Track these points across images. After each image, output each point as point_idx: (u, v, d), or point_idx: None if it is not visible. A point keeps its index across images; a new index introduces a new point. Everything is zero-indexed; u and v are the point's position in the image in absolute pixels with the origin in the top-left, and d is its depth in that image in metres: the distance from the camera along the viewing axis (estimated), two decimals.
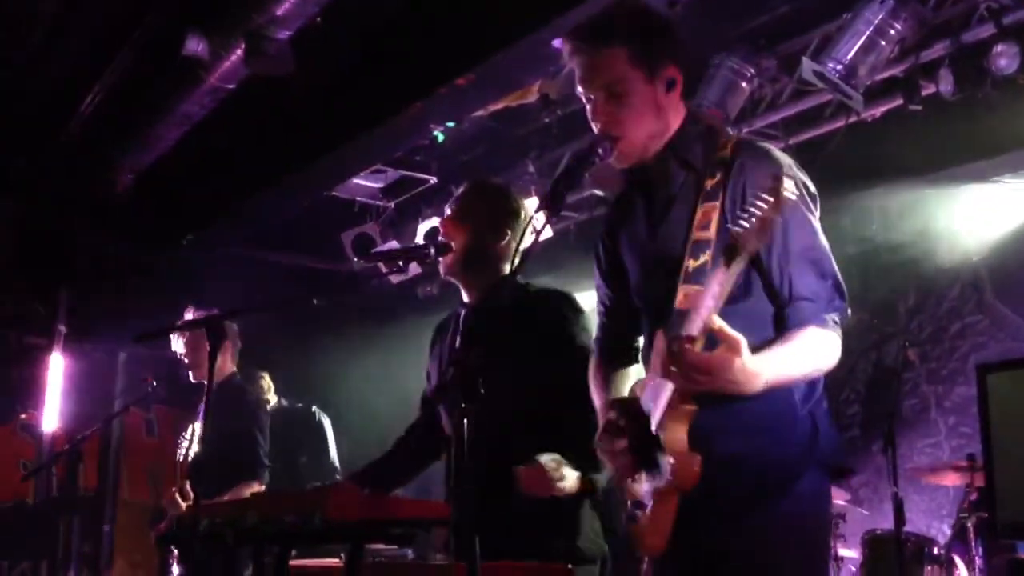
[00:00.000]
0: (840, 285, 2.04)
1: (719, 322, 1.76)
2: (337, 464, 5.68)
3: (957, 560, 4.62)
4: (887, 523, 4.85)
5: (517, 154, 6.30)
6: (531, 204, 2.99)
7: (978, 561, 4.48)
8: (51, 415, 6.96)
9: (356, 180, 6.81)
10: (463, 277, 2.93)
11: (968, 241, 5.68)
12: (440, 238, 2.93)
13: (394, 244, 6.81)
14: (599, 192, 6.02)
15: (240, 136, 5.85)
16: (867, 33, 4.52)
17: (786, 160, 2.08)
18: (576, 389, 2.82)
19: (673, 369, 1.80)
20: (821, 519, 2.11)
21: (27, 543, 6.04)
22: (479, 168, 6.30)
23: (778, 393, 1.94)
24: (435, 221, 6.45)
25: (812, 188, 2.10)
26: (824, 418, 2.09)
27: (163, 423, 7.59)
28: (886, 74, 4.79)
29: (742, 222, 1.73)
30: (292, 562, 2.75)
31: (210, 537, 2.69)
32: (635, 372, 2.38)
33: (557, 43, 4.54)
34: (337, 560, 2.95)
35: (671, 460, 1.88)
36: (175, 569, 4.27)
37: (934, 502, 5.50)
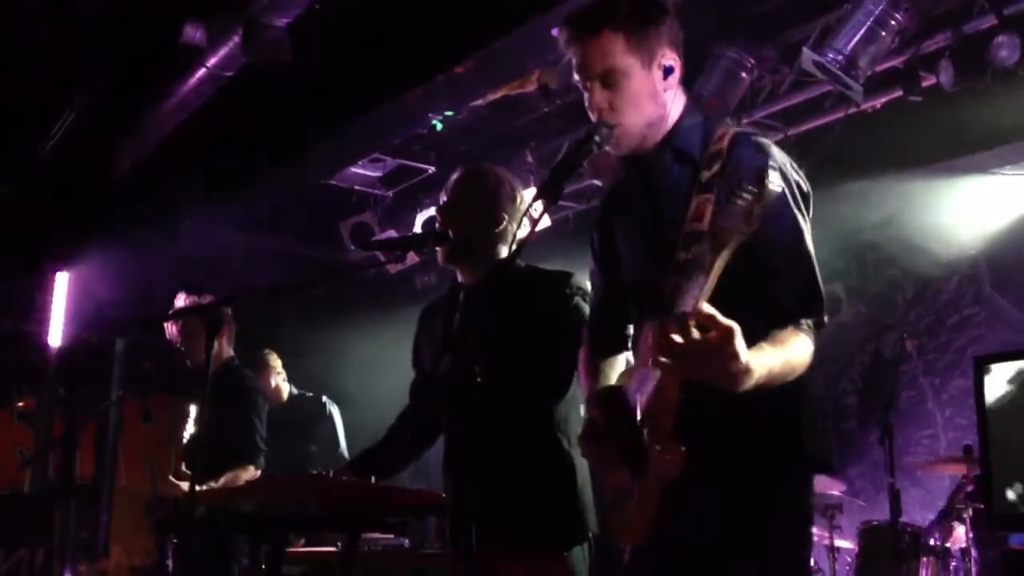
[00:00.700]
0: (819, 290, 2.00)
1: (709, 308, 1.72)
2: (347, 455, 5.70)
3: (953, 551, 4.63)
4: (883, 514, 4.87)
5: (516, 143, 6.29)
6: (529, 194, 2.98)
7: (973, 552, 4.49)
8: (56, 330, 7.04)
9: (354, 169, 6.80)
10: (461, 264, 2.93)
11: (967, 233, 5.68)
12: (437, 227, 2.93)
13: (392, 233, 6.80)
14: (597, 182, 6.01)
15: (238, 124, 5.84)
16: (868, 24, 4.51)
17: (781, 157, 2.05)
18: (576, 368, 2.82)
19: (662, 354, 1.76)
20: (802, 514, 2.11)
21: (24, 531, 6.04)
22: (478, 157, 6.29)
23: (768, 391, 1.90)
24: (433, 210, 6.44)
25: (806, 188, 2.07)
26: (808, 416, 2.09)
27: (160, 410, 7.58)
28: (886, 65, 4.78)
29: (725, 211, 1.71)
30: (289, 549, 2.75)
31: (207, 524, 2.69)
32: (624, 360, 2.37)
33: (556, 32, 4.55)
34: (334, 548, 2.96)
35: (656, 450, 1.87)
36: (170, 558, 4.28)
37: (930, 493, 5.51)
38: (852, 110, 4.92)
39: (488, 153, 6.31)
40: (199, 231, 7.17)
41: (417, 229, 6.58)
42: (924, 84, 4.69)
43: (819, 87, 5.02)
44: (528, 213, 2.87)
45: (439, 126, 5.99)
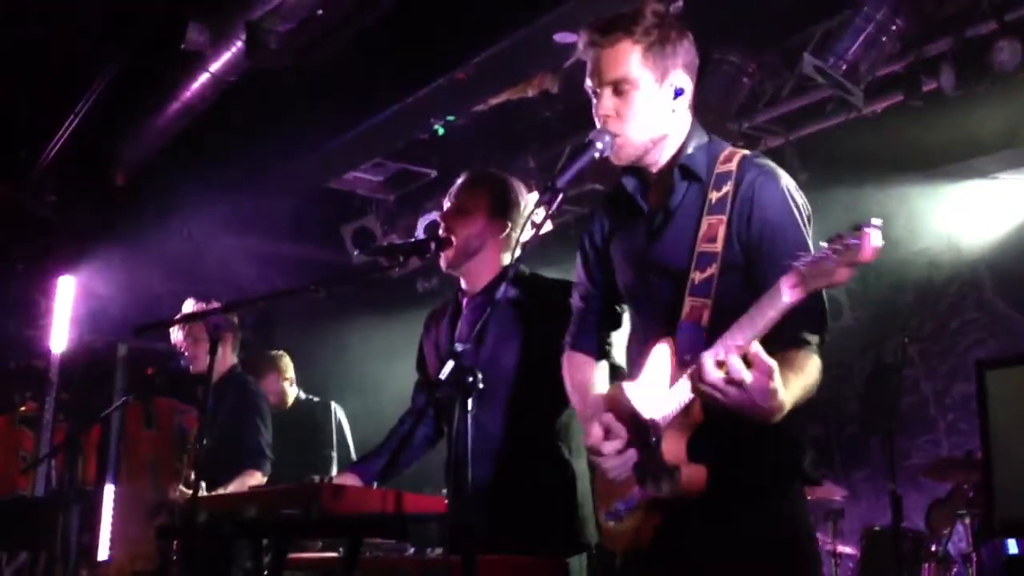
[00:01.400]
0: (825, 311, 2.04)
1: (757, 347, 1.77)
2: (355, 459, 5.70)
3: (954, 556, 4.63)
4: (885, 519, 4.86)
5: (517, 148, 6.30)
6: (531, 199, 2.99)
7: (974, 557, 4.48)
8: (59, 335, 7.05)
9: (356, 173, 6.81)
10: (464, 269, 2.93)
11: (968, 238, 5.68)
12: (440, 232, 2.93)
13: (394, 237, 6.81)
14: (599, 187, 6.01)
15: (240, 128, 5.86)
16: (869, 29, 4.51)
17: (787, 180, 2.12)
18: None
19: (709, 385, 1.80)
20: (804, 534, 2.14)
21: (26, 535, 6.04)
22: (479, 162, 6.30)
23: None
24: (435, 214, 6.44)
25: (809, 210, 2.13)
26: (801, 434, 2.14)
27: (163, 416, 7.58)
28: (887, 70, 4.78)
29: (807, 262, 1.73)
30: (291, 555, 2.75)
31: (209, 529, 2.69)
32: (604, 368, 2.40)
33: (558, 37, 4.56)
34: (336, 553, 2.96)
35: (682, 471, 1.92)
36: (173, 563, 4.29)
37: (932, 499, 5.50)
38: (853, 115, 4.93)
39: (490, 157, 6.32)
40: (202, 235, 7.19)
41: (419, 233, 6.59)
42: (925, 89, 4.70)
43: (820, 92, 5.03)
44: (530, 218, 2.87)
45: (441, 131, 6.00)
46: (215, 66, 5.09)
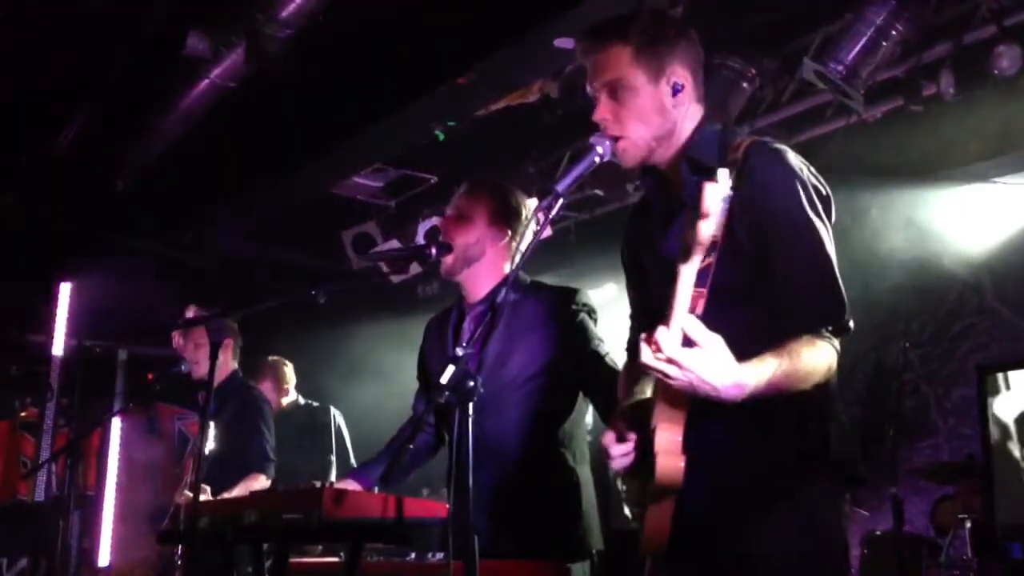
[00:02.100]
0: (841, 297, 1.98)
1: (694, 321, 1.73)
2: (355, 465, 5.71)
3: (955, 561, 4.63)
4: (886, 524, 4.86)
5: (517, 154, 6.30)
6: (531, 204, 2.99)
7: (975, 562, 4.48)
8: (60, 340, 7.08)
9: (357, 179, 6.82)
10: (464, 276, 2.93)
11: (969, 242, 5.68)
12: (441, 238, 2.93)
13: (394, 243, 6.81)
14: (599, 192, 6.02)
15: (241, 134, 5.86)
16: (869, 34, 4.52)
17: (797, 161, 2.05)
18: (582, 384, 2.82)
19: (649, 366, 1.75)
20: (831, 529, 2.02)
21: (26, 540, 6.04)
22: (479, 167, 6.30)
23: (784, 400, 1.89)
24: (436, 220, 6.45)
25: (824, 192, 2.05)
26: (836, 426, 2.04)
27: (164, 421, 7.59)
28: (887, 74, 4.79)
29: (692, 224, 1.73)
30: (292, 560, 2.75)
31: (210, 534, 2.69)
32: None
33: (558, 43, 4.56)
34: (337, 558, 2.96)
35: (657, 461, 1.85)
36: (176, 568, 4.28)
37: (933, 503, 5.50)
38: (853, 119, 4.93)
39: (490, 163, 6.32)
40: (203, 241, 7.19)
41: (419, 239, 6.59)
42: (925, 93, 4.70)
43: (820, 97, 5.03)
44: (530, 225, 2.88)
45: (441, 136, 6.00)
46: (215, 72, 5.09)
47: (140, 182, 6.39)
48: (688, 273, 1.79)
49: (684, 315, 1.74)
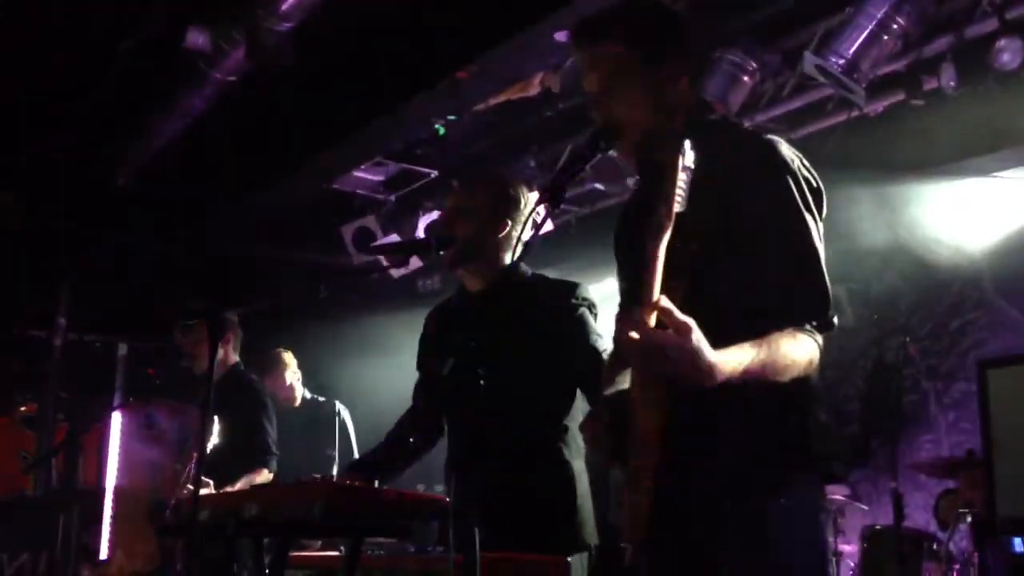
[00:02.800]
0: (826, 292, 1.97)
1: (666, 303, 1.72)
2: None
3: (956, 555, 4.63)
4: (886, 518, 4.86)
5: (518, 148, 6.29)
6: (532, 197, 2.99)
7: (976, 556, 4.48)
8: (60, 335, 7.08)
9: (357, 173, 6.81)
10: (466, 269, 2.93)
11: (969, 237, 5.68)
12: (441, 231, 2.93)
13: (395, 237, 6.80)
14: (600, 186, 6.01)
15: (241, 129, 5.85)
16: (870, 27, 4.51)
17: (789, 152, 2.03)
18: (580, 379, 2.82)
19: (623, 348, 1.74)
20: (808, 521, 2.01)
21: (26, 535, 6.05)
22: (480, 162, 6.29)
23: (763, 391, 1.89)
24: (436, 214, 6.45)
25: (816, 184, 2.03)
26: (816, 421, 2.03)
27: (164, 415, 7.59)
28: (888, 68, 4.78)
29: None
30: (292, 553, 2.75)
31: (211, 528, 2.69)
32: None
33: (559, 36, 4.55)
34: (337, 552, 2.96)
35: (639, 444, 1.83)
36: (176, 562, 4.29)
37: (933, 498, 5.50)
38: (854, 114, 4.92)
39: (490, 157, 6.31)
40: (202, 236, 7.19)
41: (419, 233, 6.59)
42: (926, 88, 4.69)
43: (821, 91, 5.02)
44: (531, 218, 2.87)
45: (442, 130, 6.00)
46: (216, 68, 5.08)
47: (140, 177, 6.39)
48: (658, 252, 1.77)
49: (657, 297, 1.73)
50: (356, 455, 5.78)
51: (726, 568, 1.94)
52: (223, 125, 5.67)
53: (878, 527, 4.96)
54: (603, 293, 2.99)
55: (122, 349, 7.77)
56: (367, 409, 6.25)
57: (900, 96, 4.83)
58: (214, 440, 4.02)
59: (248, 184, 6.49)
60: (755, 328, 1.88)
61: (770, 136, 2.07)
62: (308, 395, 5.90)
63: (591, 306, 2.88)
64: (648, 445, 1.82)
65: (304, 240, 7.69)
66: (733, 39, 5.02)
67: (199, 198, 6.72)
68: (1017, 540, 4.22)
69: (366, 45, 5.15)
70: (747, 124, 5.22)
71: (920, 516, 5.37)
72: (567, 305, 2.83)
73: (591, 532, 2.77)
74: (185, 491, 4.26)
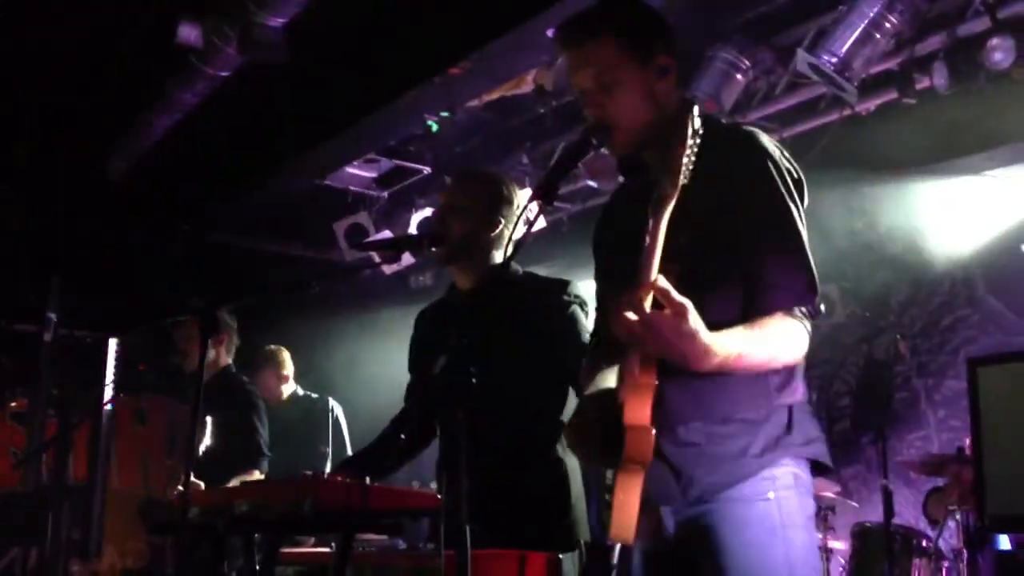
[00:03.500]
0: (813, 278, 1.98)
1: (664, 283, 1.72)
2: None
3: (945, 552, 4.65)
4: (876, 515, 4.88)
5: (511, 144, 6.30)
6: (524, 195, 2.99)
7: (965, 553, 4.50)
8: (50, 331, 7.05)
9: (349, 169, 6.80)
10: (458, 266, 2.93)
11: (960, 235, 5.70)
12: (434, 228, 2.93)
13: (387, 234, 6.80)
14: (593, 183, 6.01)
15: (234, 124, 5.84)
16: (862, 26, 4.52)
17: (769, 146, 2.05)
18: (572, 376, 2.82)
19: (618, 329, 1.74)
20: (793, 512, 1.99)
21: (17, 531, 6.02)
22: (473, 158, 6.29)
23: (750, 380, 1.91)
24: (428, 211, 6.45)
25: (797, 175, 2.05)
26: (802, 412, 2.04)
27: (154, 412, 7.56)
28: (881, 67, 4.79)
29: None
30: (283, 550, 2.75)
31: (201, 525, 2.69)
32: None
33: (551, 32, 4.55)
34: (328, 549, 2.95)
35: (626, 435, 1.82)
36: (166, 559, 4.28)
37: (923, 495, 5.52)
38: (846, 112, 4.93)
39: (483, 154, 6.31)
40: (194, 232, 7.17)
41: (412, 230, 6.59)
42: (918, 86, 4.70)
43: (814, 89, 5.03)
44: (523, 215, 2.87)
45: (435, 127, 5.99)
46: (208, 63, 5.07)
47: (132, 173, 6.37)
48: (660, 227, 1.78)
49: (655, 277, 1.73)
50: (349, 452, 5.77)
51: (716, 563, 1.95)
52: (216, 121, 5.66)
53: (868, 524, 4.98)
54: (594, 290, 2.99)
55: (113, 344, 7.74)
56: (358, 407, 6.26)
57: (892, 95, 4.85)
58: (206, 441, 4.01)
59: (241, 180, 6.48)
60: (745, 314, 1.90)
61: (750, 128, 2.10)
62: (301, 392, 5.89)
63: (582, 303, 2.88)
64: (636, 444, 1.82)
65: (296, 236, 7.68)
66: (726, 37, 5.03)
67: (191, 194, 6.70)
68: (1006, 537, 4.24)
69: (359, 41, 5.14)
70: (740, 122, 5.23)
71: (910, 513, 5.39)
72: (558, 302, 2.84)
73: (584, 530, 2.77)
74: (176, 492, 4.25)
